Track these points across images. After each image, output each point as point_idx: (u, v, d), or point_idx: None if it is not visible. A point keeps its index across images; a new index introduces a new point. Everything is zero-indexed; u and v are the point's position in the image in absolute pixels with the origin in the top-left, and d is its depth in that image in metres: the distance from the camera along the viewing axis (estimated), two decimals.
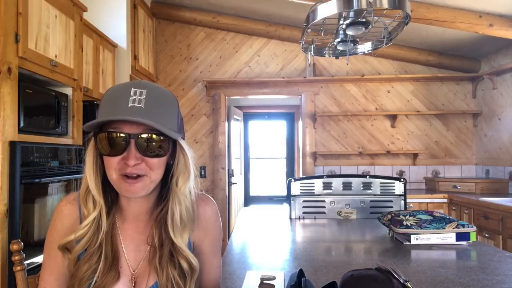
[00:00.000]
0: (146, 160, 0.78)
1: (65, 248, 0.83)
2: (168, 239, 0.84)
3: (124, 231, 0.88)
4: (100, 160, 0.82)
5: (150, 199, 0.87)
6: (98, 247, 0.82)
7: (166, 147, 0.80)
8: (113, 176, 0.78)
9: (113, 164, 0.78)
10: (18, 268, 1.03)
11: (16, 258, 1.03)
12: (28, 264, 1.87)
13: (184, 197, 0.86)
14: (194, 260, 0.85)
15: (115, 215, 0.88)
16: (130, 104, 0.75)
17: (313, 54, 2.34)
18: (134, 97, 0.76)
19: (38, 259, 1.97)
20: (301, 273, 0.93)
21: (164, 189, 0.87)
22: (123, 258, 0.86)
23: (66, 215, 0.88)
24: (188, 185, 0.86)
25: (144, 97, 0.76)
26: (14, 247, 1.04)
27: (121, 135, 0.76)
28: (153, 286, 0.84)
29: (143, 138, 0.77)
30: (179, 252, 0.84)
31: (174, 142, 0.83)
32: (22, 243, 1.05)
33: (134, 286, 0.84)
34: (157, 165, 0.80)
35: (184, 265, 0.84)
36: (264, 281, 1.12)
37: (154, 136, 0.77)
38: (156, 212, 0.87)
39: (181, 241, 0.84)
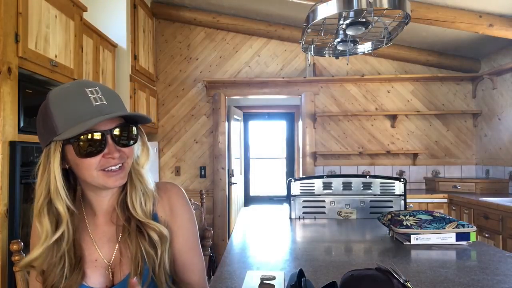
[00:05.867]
0: (123, 150, 0.82)
1: (30, 266, 0.82)
2: (132, 216, 0.86)
3: (94, 225, 0.89)
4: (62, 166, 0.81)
5: (120, 188, 0.89)
6: (60, 256, 0.81)
7: (136, 133, 0.85)
8: (94, 174, 0.80)
9: (94, 163, 0.79)
10: (18, 268, 1.04)
11: (16, 258, 1.04)
12: None
13: (145, 174, 0.89)
14: (163, 229, 0.87)
15: (84, 212, 0.89)
16: (94, 104, 0.77)
17: (313, 54, 2.34)
18: (93, 96, 0.78)
19: None
20: (301, 273, 0.93)
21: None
22: (95, 252, 0.87)
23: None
24: (148, 162, 0.90)
25: (100, 94, 0.79)
26: (14, 247, 1.04)
27: (99, 134, 0.78)
28: (128, 275, 0.84)
29: (117, 131, 0.81)
30: (146, 225, 0.86)
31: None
32: (22, 243, 1.05)
33: (112, 277, 0.86)
34: (132, 151, 0.85)
35: (154, 236, 0.86)
36: (264, 281, 1.12)
37: (126, 127, 0.83)
38: (120, 195, 0.89)
39: (143, 215, 0.86)
